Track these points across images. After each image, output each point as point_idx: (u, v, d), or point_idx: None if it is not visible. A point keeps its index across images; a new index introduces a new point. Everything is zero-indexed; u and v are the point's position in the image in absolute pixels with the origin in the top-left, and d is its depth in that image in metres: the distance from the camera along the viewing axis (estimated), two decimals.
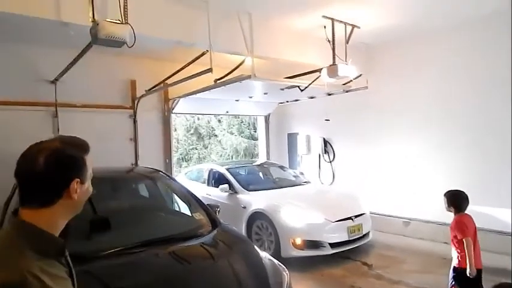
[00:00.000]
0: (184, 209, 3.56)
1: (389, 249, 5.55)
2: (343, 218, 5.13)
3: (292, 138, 8.68)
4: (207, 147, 16.64)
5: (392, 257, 5.25)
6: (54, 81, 5.71)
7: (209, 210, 3.28)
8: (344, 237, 5.01)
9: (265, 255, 2.78)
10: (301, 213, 5.09)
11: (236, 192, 5.91)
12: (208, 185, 6.69)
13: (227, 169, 6.48)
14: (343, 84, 6.46)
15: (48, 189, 1.04)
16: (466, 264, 3.00)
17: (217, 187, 6.16)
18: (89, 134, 6.44)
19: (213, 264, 2.45)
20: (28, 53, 5.59)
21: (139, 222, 3.14)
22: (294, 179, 6.90)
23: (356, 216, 5.26)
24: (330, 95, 6.90)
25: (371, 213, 6.55)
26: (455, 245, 3.19)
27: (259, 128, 9.30)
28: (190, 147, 16.68)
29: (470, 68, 5.47)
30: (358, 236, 5.20)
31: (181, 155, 16.52)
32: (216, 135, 16.42)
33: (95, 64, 6.01)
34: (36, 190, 1.05)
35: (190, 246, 2.67)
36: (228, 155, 15.42)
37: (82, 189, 1.10)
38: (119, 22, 3.15)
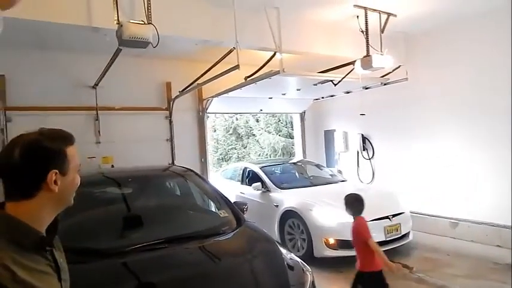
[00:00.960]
0: (211, 206, 3.56)
1: (433, 252, 5.17)
2: (380, 217, 4.88)
3: (329, 135, 8.43)
4: (245, 147, 16.76)
5: (437, 259, 4.88)
6: (94, 87, 6.01)
7: (235, 208, 3.25)
8: (380, 237, 4.74)
9: (289, 254, 2.68)
10: (333, 211, 4.89)
11: (269, 191, 5.86)
12: (242, 183, 6.71)
13: (260, 167, 6.45)
14: (381, 77, 6.16)
15: (25, 181, 1.04)
16: (380, 265, 3.11)
17: (251, 185, 6.15)
18: (127, 135, 6.78)
19: (230, 262, 2.42)
20: (70, 61, 5.94)
21: (167, 219, 3.18)
22: (329, 177, 6.70)
23: (394, 216, 5.01)
24: (366, 88, 6.61)
25: (414, 212, 6.17)
26: (357, 249, 3.23)
27: (295, 125, 9.14)
28: (230, 147, 16.91)
29: None
30: (396, 237, 4.95)
31: (221, 155, 16.80)
32: (254, 135, 16.49)
33: (132, 68, 6.27)
34: (14, 182, 1.04)
35: (211, 243, 2.64)
36: (266, 154, 15.40)
37: (64, 181, 1.08)
38: (143, 23, 3.20)
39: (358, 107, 7.07)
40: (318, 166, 7.26)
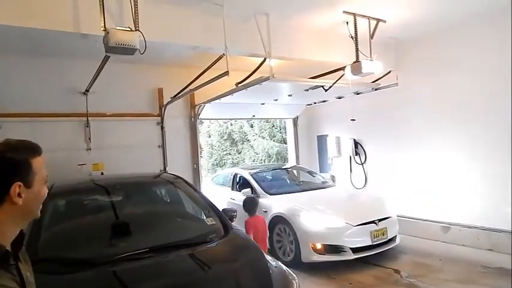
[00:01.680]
0: (198, 214, 3.53)
1: (425, 256, 5.16)
2: (366, 221, 4.93)
3: (322, 140, 8.44)
4: (240, 152, 16.75)
5: (429, 265, 4.87)
6: (85, 93, 5.98)
7: (222, 215, 3.23)
8: (367, 241, 4.80)
9: (274, 262, 2.66)
10: (320, 217, 4.97)
11: (258, 196, 5.83)
12: (232, 189, 6.73)
13: (250, 173, 6.47)
14: (372, 82, 6.19)
15: None
16: None
17: (241, 191, 6.14)
18: (118, 141, 6.75)
19: (216, 270, 2.39)
20: (61, 66, 5.89)
21: (155, 227, 3.15)
22: (318, 182, 6.75)
23: (380, 220, 5.03)
24: (358, 94, 6.64)
25: (405, 217, 6.22)
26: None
27: (288, 131, 9.15)
28: (224, 152, 16.88)
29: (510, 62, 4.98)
30: (382, 241, 4.96)
31: (215, 160, 16.77)
32: (248, 140, 16.48)
33: (123, 74, 6.25)
34: None
35: (198, 251, 2.62)
36: (261, 160, 15.39)
37: (29, 194, 1.06)
38: (129, 29, 3.19)
39: (350, 112, 7.09)
40: (307, 171, 7.30)
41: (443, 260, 4.99)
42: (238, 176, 6.76)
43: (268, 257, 2.67)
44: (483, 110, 5.24)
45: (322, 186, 6.53)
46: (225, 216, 3.23)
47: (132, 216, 3.42)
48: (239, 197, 6.12)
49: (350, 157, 7.59)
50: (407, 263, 4.98)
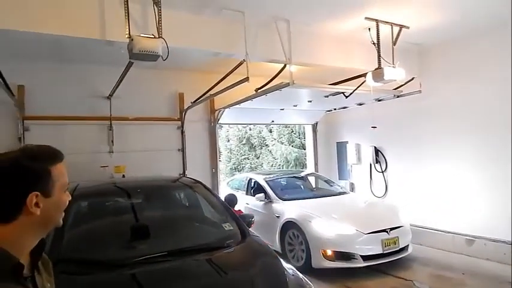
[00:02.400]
0: (216, 219, 3.55)
1: (447, 269, 4.99)
2: (377, 230, 4.93)
3: (341, 147, 8.34)
4: (258, 157, 16.75)
5: (450, 278, 4.71)
6: (109, 97, 6.15)
7: (240, 221, 3.23)
8: (378, 250, 4.80)
9: (291, 269, 2.64)
10: (331, 223, 5.00)
11: (271, 201, 5.94)
12: (247, 194, 6.81)
13: (264, 178, 6.56)
14: (394, 89, 6.09)
15: (3, 204, 0.97)
16: None
17: (255, 196, 6.25)
18: (140, 145, 6.91)
19: (233, 276, 2.40)
20: (87, 71, 6.09)
21: (173, 231, 3.19)
22: (332, 189, 6.80)
23: (392, 229, 5.02)
24: (379, 100, 6.54)
25: (428, 228, 6.06)
26: None
27: (307, 137, 9.09)
28: (243, 157, 16.93)
29: None
30: (393, 250, 4.95)
31: (234, 164, 16.84)
32: (267, 145, 16.48)
33: (146, 79, 6.39)
34: None
35: (215, 256, 2.63)
36: (279, 165, 15.35)
37: (48, 203, 1.01)
38: (153, 37, 3.27)
39: (371, 118, 6.98)
40: (325, 180, 7.31)
41: (466, 274, 4.81)
42: (253, 181, 6.85)
43: (285, 265, 2.65)
44: (509, 120, 5.05)
45: (336, 193, 6.53)
46: (243, 222, 3.24)
47: (151, 219, 3.48)
48: (253, 201, 6.21)
49: (370, 165, 7.46)
50: (430, 275, 4.84)
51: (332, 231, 4.89)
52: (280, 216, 5.54)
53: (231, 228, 3.11)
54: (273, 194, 6.03)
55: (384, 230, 4.93)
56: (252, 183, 6.83)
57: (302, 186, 7.01)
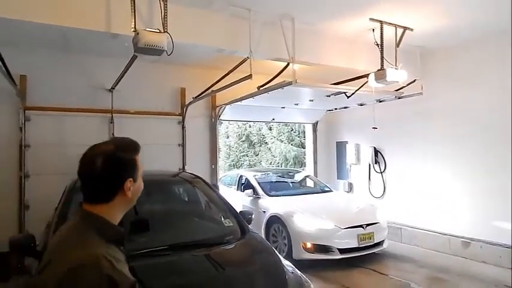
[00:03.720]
0: (217, 215, 3.57)
1: (443, 271, 5.03)
2: (354, 225, 5.29)
3: (341, 146, 8.37)
4: (257, 155, 16.77)
5: (447, 280, 4.75)
6: (111, 90, 6.14)
7: (239, 217, 3.25)
8: (353, 243, 5.18)
9: (290, 267, 2.66)
10: (312, 218, 5.39)
11: (258, 197, 6.31)
12: (237, 189, 7.12)
13: (253, 175, 6.93)
14: (396, 91, 6.11)
15: (106, 188, 1.18)
16: None
17: (244, 192, 6.60)
18: (140, 138, 6.89)
19: (233, 272, 2.41)
20: (90, 63, 6.06)
21: (173, 225, 3.21)
22: (317, 187, 7.25)
23: (368, 225, 5.39)
24: (381, 101, 6.55)
25: (425, 229, 6.12)
26: None
27: (307, 135, 9.11)
28: (242, 154, 16.95)
29: None
30: (368, 244, 5.31)
31: (232, 161, 16.85)
32: (266, 143, 16.49)
33: (148, 73, 6.37)
34: (95, 188, 1.19)
35: (215, 252, 2.65)
36: (278, 163, 15.37)
37: (135, 187, 1.23)
38: (158, 31, 3.27)
39: (371, 119, 7.00)
40: (312, 178, 7.70)
41: (462, 277, 4.85)
42: (244, 177, 7.16)
43: (285, 262, 2.68)
44: (509, 124, 5.07)
45: (320, 191, 6.99)
46: (242, 218, 3.26)
47: (151, 213, 3.49)
48: (243, 197, 6.55)
49: (369, 165, 7.49)
50: (426, 277, 4.87)
51: (312, 226, 5.27)
52: (266, 211, 5.89)
53: (231, 224, 3.13)
54: (261, 190, 6.41)
55: (361, 226, 5.30)
56: (243, 180, 7.14)
57: (290, 184, 7.39)
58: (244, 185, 6.98)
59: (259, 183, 6.61)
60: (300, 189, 7.19)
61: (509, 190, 5.01)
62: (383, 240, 5.57)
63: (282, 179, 7.55)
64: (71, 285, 0.99)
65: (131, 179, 1.20)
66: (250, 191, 6.49)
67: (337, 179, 8.34)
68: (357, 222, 5.35)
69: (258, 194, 6.37)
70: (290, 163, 14.98)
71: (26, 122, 5.57)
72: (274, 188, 6.67)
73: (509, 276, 4.72)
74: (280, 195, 6.35)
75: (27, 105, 5.58)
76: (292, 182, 7.44)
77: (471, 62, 5.62)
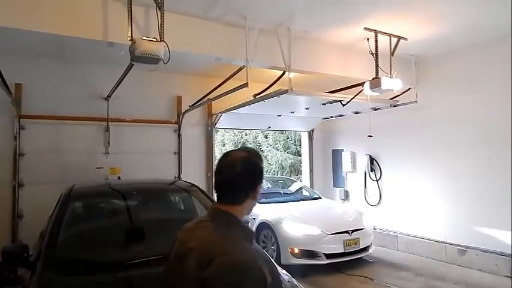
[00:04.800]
0: None
1: (439, 279, 5.03)
2: (340, 231, 5.45)
3: (337, 154, 8.39)
4: None
5: None
6: (107, 98, 6.13)
7: None
8: (339, 249, 5.34)
9: (286, 276, 2.64)
10: (299, 225, 5.56)
11: None
12: None
13: None
14: (391, 99, 6.16)
15: (243, 190, 1.29)
16: None
17: None
18: (136, 147, 6.87)
19: None
20: (85, 72, 6.06)
21: (168, 235, 3.17)
22: (306, 194, 7.53)
23: (354, 231, 5.57)
24: (376, 109, 6.60)
25: (419, 237, 6.15)
26: None
27: (303, 143, 9.12)
28: None
29: None
30: (354, 249, 5.48)
31: None
32: (262, 151, 16.46)
33: (144, 81, 6.38)
34: (235, 190, 1.29)
35: None
36: (274, 171, 15.34)
37: (257, 191, 1.34)
38: (155, 40, 3.28)
39: (367, 127, 7.02)
40: (307, 188, 7.86)
41: (458, 285, 4.84)
42: None
43: (281, 271, 2.65)
44: (506, 131, 5.12)
45: (309, 198, 7.24)
46: None
47: (146, 222, 3.47)
48: None
49: (365, 173, 7.51)
50: (423, 286, 4.86)
51: (300, 232, 5.44)
52: (255, 218, 5.99)
53: None
54: None
55: (346, 232, 5.48)
56: None
57: (281, 191, 7.59)
58: None
59: None
60: (290, 196, 7.39)
61: (508, 197, 5.04)
62: (369, 246, 5.73)
63: (274, 187, 7.86)
64: (240, 283, 1.07)
65: (260, 184, 1.33)
66: None
67: (333, 186, 8.34)
68: (342, 228, 5.53)
69: None
70: (286, 171, 14.96)
71: (20, 130, 5.54)
72: (265, 196, 6.78)
73: (506, 285, 4.73)
74: (270, 202, 6.50)
75: (22, 113, 5.55)
76: (283, 190, 7.70)
77: (466, 70, 5.69)
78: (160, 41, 3.31)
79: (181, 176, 6.76)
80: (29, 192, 5.46)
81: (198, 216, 1.39)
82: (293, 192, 7.67)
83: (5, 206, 5.36)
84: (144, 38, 3.26)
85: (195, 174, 6.83)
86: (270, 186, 7.91)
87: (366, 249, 5.66)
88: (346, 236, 5.43)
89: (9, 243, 5.11)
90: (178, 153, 6.87)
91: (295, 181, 8.62)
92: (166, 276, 1.33)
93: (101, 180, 5.37)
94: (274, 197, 7.00)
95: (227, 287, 1.07)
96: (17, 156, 5.46)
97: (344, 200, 8.06)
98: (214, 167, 6.86)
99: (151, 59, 3.22)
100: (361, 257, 5.60)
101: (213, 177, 1.39)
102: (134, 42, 3.15)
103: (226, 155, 1.34)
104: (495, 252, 5.23)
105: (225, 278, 1.07)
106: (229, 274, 1.07)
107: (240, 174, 1.27)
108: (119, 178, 5.75)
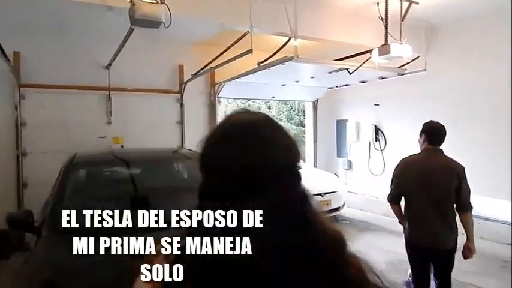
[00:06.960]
0: None
1: None
2: (313, 193, 5.55)
3: (341, 125, 8.30)
4: None
5: None
6: (107, 67, 5.99)
7: None
8: None
9: None
10: None
11: None
12: None
13: None
14: (399, 67, 5.99)
15: None
16: None
17: None
18: (138, 116, 6.81)
19: None
20: (85, 40, 5.88)
21: (172, 202, 3.17)
22: None
23: (326, 193, 6.07)
24: (382, 78, 6.44)
25: None
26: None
27: (307, 114, 9.02)
28: None
29: None
30: (326, 209, 5.97)
31: None
32: None
33: (145, 50, 6.22)
34: None
35: None
36: None
37: None
38: (155, 2, 3.13)
39: (373, 97, 6.92)
40: None
41: (460, 251, 4.88)
42: None
43: None
44: None
45: None
46: None
47: (150, 190, 3.46)
48: None
49: (369, 143, 7.45)
50: None
51: None
52: None
53: None
54: None
55: (319, 194, 5.94)
56: None
57: None
58: None
59: None
60: None
61: (509, 170, 4.99)
62: (340, 206, 6.35)
63: None
64: None
65: None
66: None
67: (337, 157, 8.32)
68: (315, 191, 5.77)
69: None
70: None
71: (21, 99, 5.47)
72: None
73: (507, 252, 4.78)
74: None
75: (21, 82, 5.46)
76: None
77: (478, 38, 5.47)
78: (161, 3, 3.16)
79: (184, 146, 6.74)
80: (32, 161, 5.48)
81: None
82: None
83: (10, 176, 5.40)
84: (144, 0, 3.10)
85: (198, 144, 6.79)
86: None
87: (337, 209, 6.25)
88: (319, 198, 5.87)
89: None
90: (181, 122, 6.81)
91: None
92: None
93: (104, 149, 5.35)
94: None
95: None
96: (19, 126, 5.43)
97: (347, 169, 8.06)
98: None
99: (151, 23, 3.09)
100: (334, 216, 6.19)
101: None
102: (134, 4, 3.01)
103: None
104: (497, 221, 5.26)
105: None
106: None
107: None
108: (122, 147, 5.74)
